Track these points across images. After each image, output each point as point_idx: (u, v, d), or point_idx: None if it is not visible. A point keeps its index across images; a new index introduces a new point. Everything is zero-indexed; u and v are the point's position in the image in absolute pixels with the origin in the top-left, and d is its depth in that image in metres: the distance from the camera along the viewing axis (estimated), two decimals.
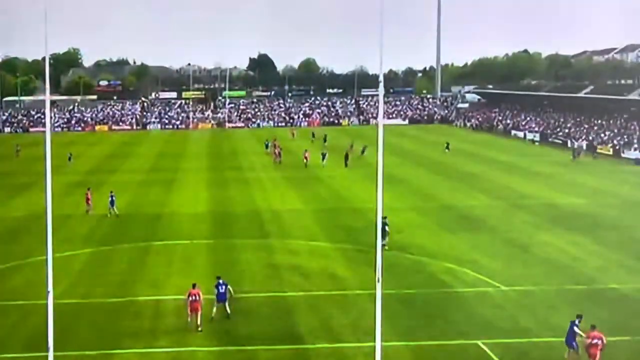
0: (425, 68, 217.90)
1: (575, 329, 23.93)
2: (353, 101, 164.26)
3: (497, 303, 30.79)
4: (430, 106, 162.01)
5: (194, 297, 27.68)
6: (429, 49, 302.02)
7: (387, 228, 38.38)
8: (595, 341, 22.95)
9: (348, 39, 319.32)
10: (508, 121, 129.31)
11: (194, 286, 28.25)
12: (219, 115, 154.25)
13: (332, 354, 25.25)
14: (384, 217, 36.37)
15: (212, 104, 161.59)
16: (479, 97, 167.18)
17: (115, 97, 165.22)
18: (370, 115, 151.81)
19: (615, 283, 33.41)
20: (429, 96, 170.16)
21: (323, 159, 77.59)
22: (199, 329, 27.34)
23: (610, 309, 29.81)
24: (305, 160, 77.44)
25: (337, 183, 65.05)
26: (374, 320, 20.23)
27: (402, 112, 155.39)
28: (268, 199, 57.08)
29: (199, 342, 26.38)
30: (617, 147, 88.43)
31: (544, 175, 68.54)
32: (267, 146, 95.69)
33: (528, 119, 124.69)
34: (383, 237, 35.03)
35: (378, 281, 19.86)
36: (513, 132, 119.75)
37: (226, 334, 27.20)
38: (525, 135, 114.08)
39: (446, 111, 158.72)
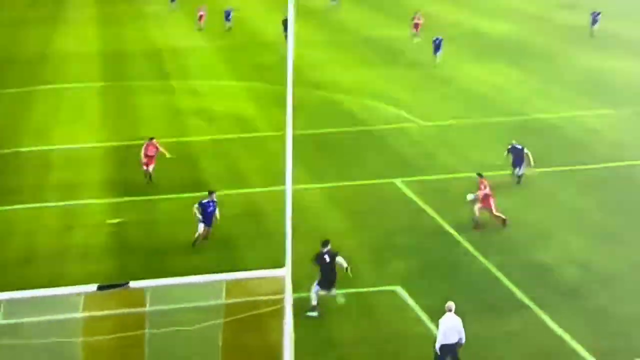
0: None
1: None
2: None
3: (415, 140, 31.55)
4: None
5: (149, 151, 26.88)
6: None
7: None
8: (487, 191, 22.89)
9: None
10: None
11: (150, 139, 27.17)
12: None
13: (240, 200, 25.55)
14: None
15: None
16: None
17: None
18: None
19: (540, 113, 34.52)
20: None
21: None
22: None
23: (535, 140, 30.78)
24: None
25: (243, 14, 63.05)
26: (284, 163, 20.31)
27: None
28: (166, 36, 55.70)
29: (91, 195, 26.24)
30: None
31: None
32: None
33: None
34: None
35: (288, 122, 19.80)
36: None
37: (124, 184, 27.09)
38: None
39: None
